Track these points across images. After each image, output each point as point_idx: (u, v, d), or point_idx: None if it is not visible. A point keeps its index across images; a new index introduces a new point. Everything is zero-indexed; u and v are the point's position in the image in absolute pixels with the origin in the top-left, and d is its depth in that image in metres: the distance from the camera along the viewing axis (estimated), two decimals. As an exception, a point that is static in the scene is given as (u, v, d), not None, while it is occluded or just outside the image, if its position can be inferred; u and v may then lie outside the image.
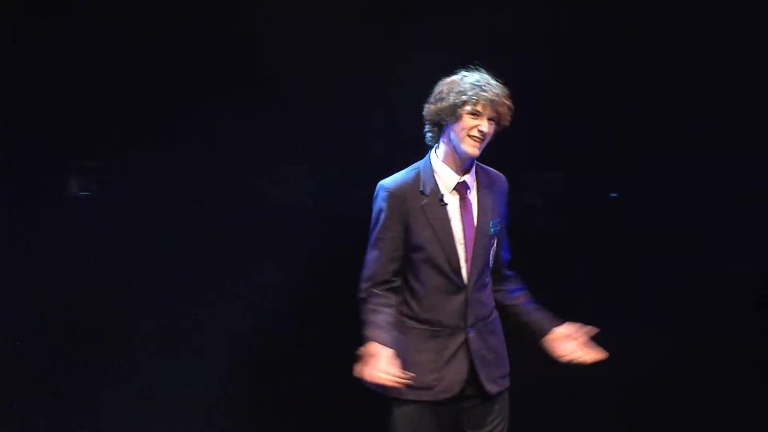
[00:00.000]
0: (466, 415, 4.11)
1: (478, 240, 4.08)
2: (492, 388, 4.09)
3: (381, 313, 4.04)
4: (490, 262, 4.15)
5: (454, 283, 4.05)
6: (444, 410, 4.07)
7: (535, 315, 4.23)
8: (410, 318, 4.09)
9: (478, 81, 4.03)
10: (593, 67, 6.22)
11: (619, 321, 5.68)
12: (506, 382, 4.18)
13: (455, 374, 4.04)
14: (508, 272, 4.28)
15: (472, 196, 4.11)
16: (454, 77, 4.09)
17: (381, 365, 3.94)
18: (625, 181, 6.42)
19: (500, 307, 4.24)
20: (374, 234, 4.09)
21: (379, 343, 3.97)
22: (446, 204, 4.07)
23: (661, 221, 6.33)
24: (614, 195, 6.48)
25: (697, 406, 6.29)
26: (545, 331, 4.19)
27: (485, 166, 4.21)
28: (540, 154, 6.35)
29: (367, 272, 4.09)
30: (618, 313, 6.01)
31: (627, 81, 6.20)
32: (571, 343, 4.15)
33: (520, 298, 4.26)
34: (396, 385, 3.94)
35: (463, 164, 4.09)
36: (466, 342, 4.06)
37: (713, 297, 6.24)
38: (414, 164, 4.16)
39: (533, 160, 6.36)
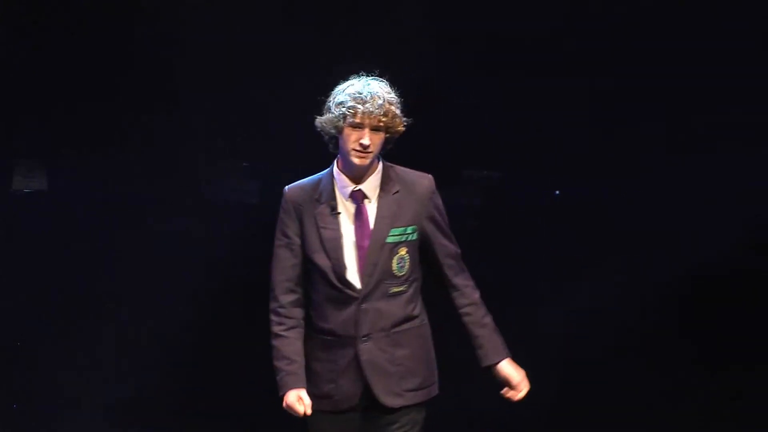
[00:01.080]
0: (370, 427, 4.04)
1: (373, 249, 3.98)
2: (392, 401, 3.99)
3: (286, 341, 4.01)
4: (397, 271, 4.02)
5: (344, 293, 3.98)
6: (346, 420, 4.02)
7: (482, 340, 4.08)
8: (309, 326, 4.05)
9: (359, 92, 3.92)
10: (529, 65, 6.20)
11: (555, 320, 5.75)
12: (419, 396, 4.06)
13: (350, 385, 3.99)
14: (457, 280, 4.10)
15: (372, 204, 4.02)
16: (340, 87, 4.01)
17: (299, 409, 3.96)
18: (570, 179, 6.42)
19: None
20: (275, 241, 4.06)
21: (292, 389, 3.98)
22: (338, 213, 4.01)
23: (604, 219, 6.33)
24: (558, 193, 6.46)
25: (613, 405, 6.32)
26: (489, 361, 4.07)
27: (405, 169, 4.10)
28: (481, 153, 6.35)
29: (271, 282, 4.06)
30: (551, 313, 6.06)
31: (564, 78, 6.20)
32: (509, 386, 4.07)
33: (466, 316, 4.10)
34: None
35: (359, 172, 4.01)
36: (356, 354, 3.99)
37: (646, 298, 6.26)
38: (322, 171, 4.10)
39: (473, 159, 6.35)
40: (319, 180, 4.06)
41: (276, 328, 4.03)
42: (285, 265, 4.01)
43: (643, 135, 6.30)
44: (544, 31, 6.18)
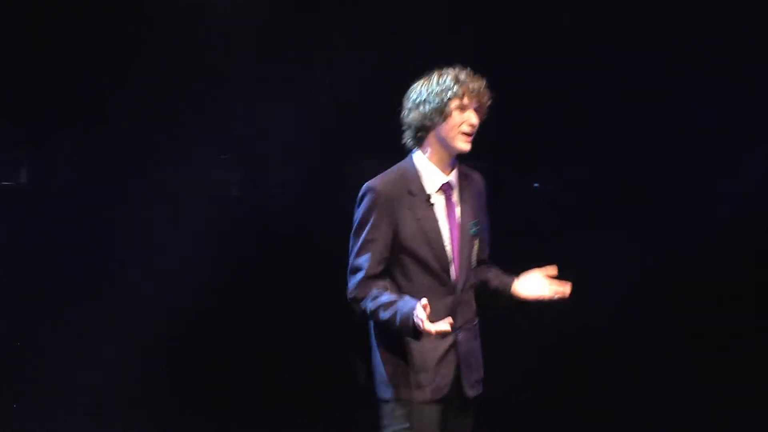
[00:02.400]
0: (445, 417, 4.07)
1: (463, 240, 4.06)
2: (470, 392, 4.08)
3: (386, 293, 3.94)
4: (474, 263, 4.12)
5: (444, 283, 4.03)
6: (434, 410, 4.03)
7: (502, 278, 4.19)
8: None
9: (457, 75, 4.01)
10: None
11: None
12: (481, 388, 4.16)
13: (445, 375, 4.01)
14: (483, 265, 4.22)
15: (455, 196, 4.09)
16: (428, 79, 4.05)
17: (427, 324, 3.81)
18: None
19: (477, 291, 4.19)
20: (362, 235, 4.01)
21: (411, 308, 3.83)
22: (433, 204, 4.05)
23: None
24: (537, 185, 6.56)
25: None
26: (510, 284, 4.15)
27: (463, 165, 4.18)
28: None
29: (358, 275, 4.00)
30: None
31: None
32: (533, 282, 4.11)
33: (490, 272, 4.20)
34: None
35: (450, 163, 4.08)
36: (455, 343, 4.04)
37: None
38: (396, 165, 4.11)
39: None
40: (403, 172, 4.07)
41: (373, 294, 3.94)
42: (378, 259, 3.99)
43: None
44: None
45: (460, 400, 4.07)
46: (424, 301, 3.80)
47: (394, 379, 4.01)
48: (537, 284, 4.10)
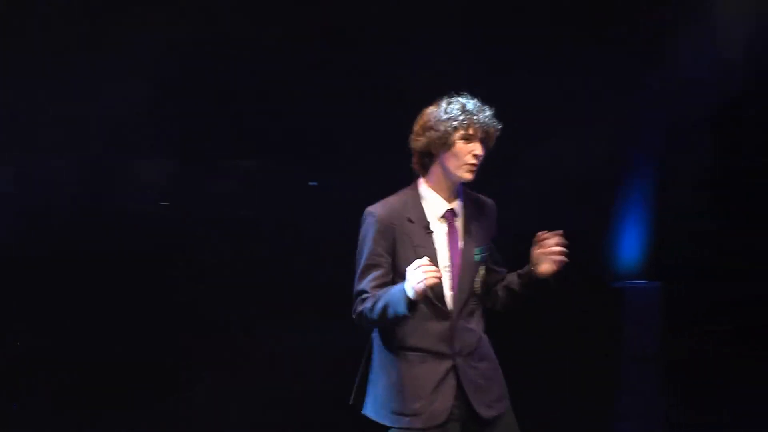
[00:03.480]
0: None
1: (464, 267, 4.08)
2: (487, 412, 4.08)
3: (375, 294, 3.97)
4: (477, 289, 4.13)
5: (439, 310, 4.05)
6: None
7: (513, 276, 4.20)
8: (397, 344, 4.07)
9: (465, 105, 4.02)
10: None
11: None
12: (504, 405, 4.16)
13: (442, 401, 4.03)
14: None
15: (459, 223, 4.11)
16: (436, 106, 4.06)
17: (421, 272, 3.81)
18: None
19: (498, 300, 4.21)
20: (362, 261, 4.05)
21: (400, 287, 3.86)
22: (432, 231, 4.07)
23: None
24: (314, 183, 6.55)
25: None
26: (522, 270, 4.14)
27: (472, 192, 4.20)
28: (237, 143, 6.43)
29: (358, 298, 4.03)
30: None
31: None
32: (542, 258, 4.07)
33: (503, 282, 4.22)
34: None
35: (453, 191, 4.10)
36: (454, 368, 4.05)
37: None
38: (401, 191, 4.13)
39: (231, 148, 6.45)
40: (405, 199, 4.10)
41: (370, 296, 3.97)
42: (378, 284, 4.02)
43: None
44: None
45: (479, 422, 4.08)
46: (425, 260, 3.80)
47: (391, 406, 4.05)
48: (546, 257, 4.06)
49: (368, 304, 3.97)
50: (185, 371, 6.28)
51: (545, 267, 4.05)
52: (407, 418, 4.02)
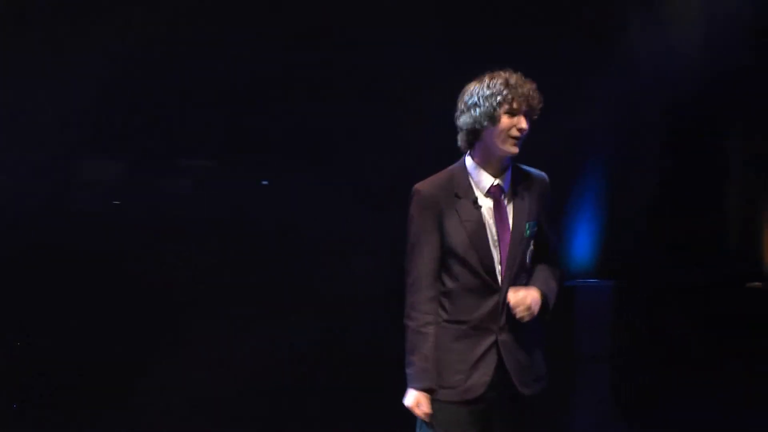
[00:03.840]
0: (498, 417, 4.07)
1: (514, 242, 4.05)
2: (525, 390, 4.06)
3: (424, 337, 4.00)
4: (527, 264, 4.11)
5: (488, 285, 4.03)
6: (472, 410, 4.03)
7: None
8: (446, 317, 4.05)
9: (508, 80, 4.02)
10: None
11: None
12: (541, 385, 4.15)
13: (480, 376, 4.01)
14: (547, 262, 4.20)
15: (508, 198, 4.09)
16: (478, 82, 4.05)
17: (423, 411, 3.99)
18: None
19: None
20: (410, 239, 4.05)
21: (424, 387, 3.98)
22: (480, 206, 4.05)
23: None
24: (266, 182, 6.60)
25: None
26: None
27: (525, 166, 4.19)
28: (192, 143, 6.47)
29: (409, 278, 4.04)
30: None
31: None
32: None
33: (535, 274, 4.17)
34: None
35: (500, 166, 4.08)
36: (496, 344, 4.03)
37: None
38: (449, 167, 4.13)
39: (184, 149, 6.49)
40: (451, 175, 4.09)
41: (414, 324, 4.01)
42: (426, 260, 4.01)
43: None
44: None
45: (515, 399, 4.06)
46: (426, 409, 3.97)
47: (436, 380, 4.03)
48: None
49: (412, 340, 4.01)
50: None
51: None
52: (444, 391, 4.01)
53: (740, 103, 6.95)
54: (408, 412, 4.02)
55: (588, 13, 6.61)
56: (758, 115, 7.01)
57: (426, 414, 3.99)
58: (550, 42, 6.40)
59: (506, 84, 4.00)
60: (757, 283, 7.07)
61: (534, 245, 4.13)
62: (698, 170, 7.03)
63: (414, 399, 3.99)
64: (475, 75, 4.04)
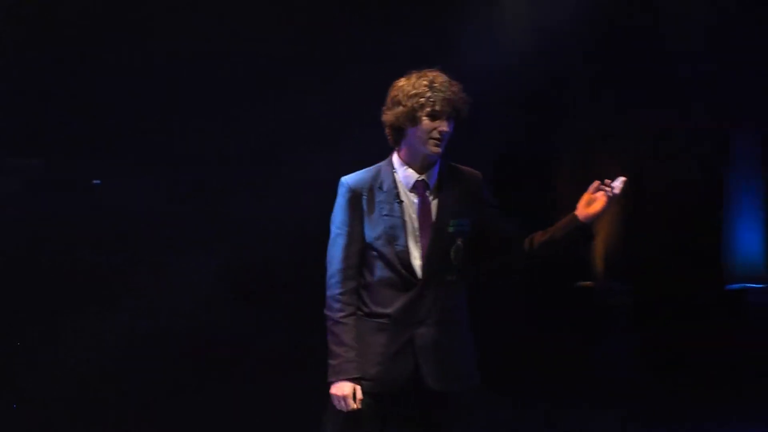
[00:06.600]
0: (420, 412, 4.14)
1: (436, 238, 4.12)
2: (440, 386, 4.11)
3: (346, 327, 4.11)
4: (454, 261, 4.13)
5: (406, 279, 4.10)
6: (388, 403, 4.12)
7: (555, 227, 4.18)
8: (361, 310, 4.14)
9: (432, 82, 4.08)
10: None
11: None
12: (467, 383, 4.18)
13: (399, 369, 4.09)
14: (524, 238, 4.21)
15: (433, 194, 4.16)
16: (406, 80, 4.12)
17: (351, 404, 4.06)
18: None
19: (536, 249, 4.17)
20: (333, 230, 4.15)
21: (350, 378, 4.07)
22: (402, 201, 4.13)
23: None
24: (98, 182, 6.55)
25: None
26: (571, 220, 4.14)
27: (457, 165, 4.24)
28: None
29: (330, 270, 4.14)
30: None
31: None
32: (589, 201, 4.12)
33: (536, 236, 4.20)
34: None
35: (425, 163, 4.15)
36: (412, 337, 4.09)
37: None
38: (378, 163, 4.21)
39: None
40: (378, 170, 4.18)
41: (336, 315, 4.12)
42: (346, 253, 4.12)
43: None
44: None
45: (435, 395, 4.10)
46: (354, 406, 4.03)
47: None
48: (593, 200, 4.10)
49: (334, 331, 4.10)
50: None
51: (594, 206, 4.08)
52: (367, 382, 4.09)
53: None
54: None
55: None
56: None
57: (359, 401, 4.05)
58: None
59: (430, 86, 4.06)
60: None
61: (484, 241, 4.16)
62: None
63: (343, 389, 4.05)
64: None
